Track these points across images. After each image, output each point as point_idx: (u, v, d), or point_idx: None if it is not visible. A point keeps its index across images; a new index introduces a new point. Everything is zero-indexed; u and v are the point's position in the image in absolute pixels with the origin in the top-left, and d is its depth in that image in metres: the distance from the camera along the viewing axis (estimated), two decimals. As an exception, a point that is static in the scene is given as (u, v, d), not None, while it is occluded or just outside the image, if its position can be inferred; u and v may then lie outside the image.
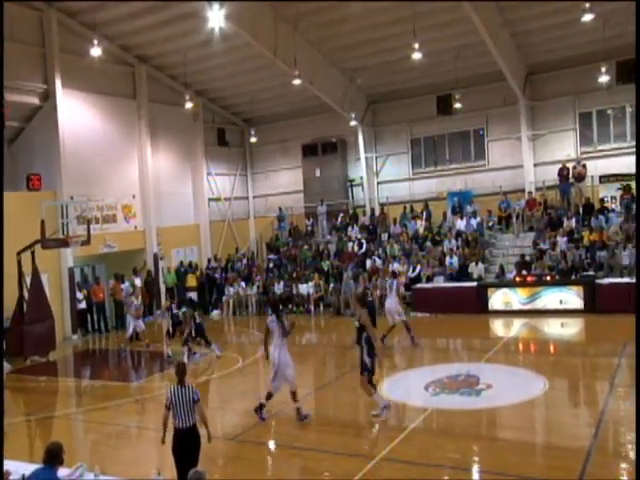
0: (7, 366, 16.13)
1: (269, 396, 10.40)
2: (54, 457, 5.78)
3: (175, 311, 16.65)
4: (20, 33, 19.38)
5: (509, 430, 9.77)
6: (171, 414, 7.18)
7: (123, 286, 21.01)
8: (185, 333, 15.86)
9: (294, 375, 10.44)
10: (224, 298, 23.67)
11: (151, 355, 17.58)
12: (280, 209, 27.55)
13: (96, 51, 18.67)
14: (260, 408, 10.33)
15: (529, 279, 19.11)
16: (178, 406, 7.12)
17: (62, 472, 6.07)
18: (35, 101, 20.08)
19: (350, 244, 24.11)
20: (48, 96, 20.11)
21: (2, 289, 13.75)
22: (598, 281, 18.00)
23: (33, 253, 17.51)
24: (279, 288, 22.92)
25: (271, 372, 10.34)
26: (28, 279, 17.65)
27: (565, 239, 20.07)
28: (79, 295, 20.82)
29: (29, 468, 6.29)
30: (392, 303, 15.54)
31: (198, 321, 16.00)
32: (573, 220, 20.89)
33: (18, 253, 17.32)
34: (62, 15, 20.11)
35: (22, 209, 18.27)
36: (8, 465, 6.70)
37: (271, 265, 25.04)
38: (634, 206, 19.74)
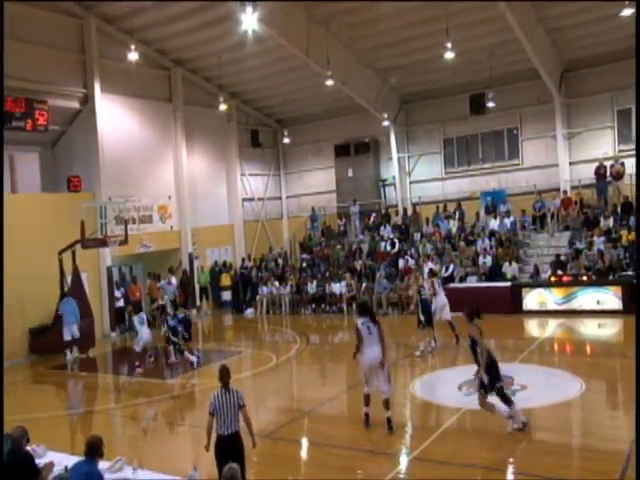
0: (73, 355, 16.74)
1: (367, 400, 9.90)
2: (94, 450, 5.94)
3: (181, 315, 15.94)
4: (61, 41, 19.96)
5: (544, 431, 9.63)
6: (215, 420, 6.99)
7: (159, 284, 21.50)
8: (162, 331, 15.84)
9: (387, 380, 9.87)
10: (258, 297, 23.96)
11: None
12: (313, 209, 27.76)
13: (133, 55, 19.07)
14: (366, 418, 9.89)
15: (565, 279, 18.91)
16: (222, 412, 6.91)
17: (102, 465, 6.22)
18: (75, 105, 20.60)
19: (382, 244, 24.18)
20: (87, 100, 20.62)
21: (2, 289, 14.27)
22: (637, 281, 17.66)
23: (74, 253, 18.00)
24: (312, 287, 23.13)
25: (363, 374, 9.88)
26: (69, 278, 18.13)
27: (602, 239, 19.79)
28: (117, 294, 21.27)
29: (71, 460, 6.57)
30: (443, 300, 15.58)
31: (180, 317, 15.80)
32: (611, 219, 20.57)
33: (59, 253, 17.81)
34: (101, 21, 20.63)
35: (63, 210, 18.86)
36: (52, 456, 6.99)
37: (304, 265, 25.26)
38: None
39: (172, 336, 15.38)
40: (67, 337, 17.38)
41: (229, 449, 6.83)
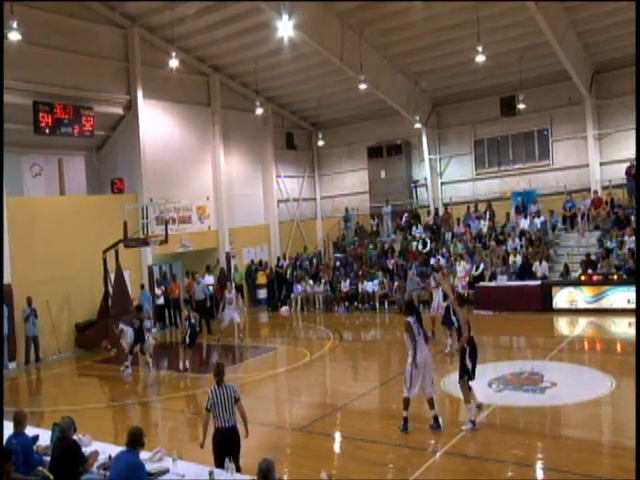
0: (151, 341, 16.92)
1: (407, 403, 9.57)
2: (136, 441, 6.13)
3: (193, 320, 15.56)
4: (107, 50, 20.77)
5: (574, 428, 9.69)
6: (212, 415, 7.25)
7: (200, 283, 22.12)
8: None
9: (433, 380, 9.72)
10: (292, 295, 24.52)
11: (224, 348, 18.41)
12: (346, 209, 28.23)
13: (174, 63, 19.56)
14: (405, 422, 9.56)
15: (595, 278, 18.99)
16: (218, 406, 7.18)
17: (142, 455, 6.35)
18: (119, 111, 21.32)
19: (414, 243, 24.55)
20: (130, 106, 21.32)
21: (2, 289, 15.05)
22: (637, 281, 17.56)
23: (117, 252, 18.63)
24: (345, 286, 23.60)
25: (409, 377, 9.47)
26: (112, 276, 18.80)
27: (633, 238, 19.86)
28: (157, 291, 21.85)
29: (114, 449, 6.87)
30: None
31: (192, 322, 15.55)
32: (641, 218, 20.61)
33: (104, 252, 18.47)
34: (144, 31, 21.40)
35: (107, 211, 19.56)
36: (97, 446, 7.29)
37: (337, 263, 25.73)
38: None
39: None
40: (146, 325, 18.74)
41: (228, 442, 7.10)
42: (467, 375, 9.55)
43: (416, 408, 11.22)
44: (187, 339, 15.28)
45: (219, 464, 6.77)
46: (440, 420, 9.52)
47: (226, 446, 7.05)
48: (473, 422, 9.41)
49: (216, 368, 7.49)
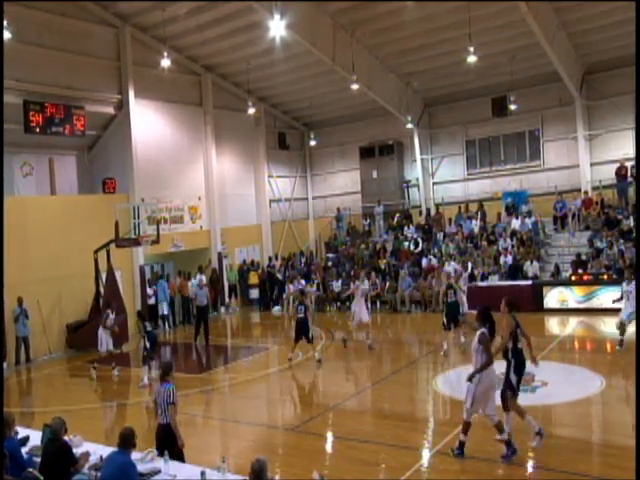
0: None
1: (466, 428, 8.45)
2: (127, 441, 6.15)
3: (149, 328, 14.48)
4: (98, 49, 20.71)
5: (565, 427, 9.72)
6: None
7: (190, 283, 22.12)
8: (142, 348, 14.56)
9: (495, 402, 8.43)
10: (284, 295, 24.52)
11: (216, 349, 18.39)
12: (338, 209, 28.29)
13: (166, 62, 19.57)
14: (460, 447, 8.47)
15: (585, 278, 19.16)
16: (159, 403, 7.49)
17: (134, 456, 6.35)
18: (110, 111, 21.26)
19: (406, 243, 24.62)
20: (122, 105, 21.27)
21: (2, 290, 15.01)
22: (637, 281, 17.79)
23: (108, 252, 18.55)
24: (337, 286, 23.63)
25: (472, 397, 8.35)
26: (104, 276, 18.71)
27: (622, 238, 20.03)
28: (149, 291, 21.75)
29: (106, 450, 6.85)
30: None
31: (149, 329, 14.54)
32: (631, 219, 20.77)
33: (95, 252, 18.37)
34: (136, 30, 21.34)
35: (99, 211, 19.51)
36: (88, 447, 7.26)
37: (329, 264, 25.78)
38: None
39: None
40: (161, 312, 19.94)
41: (162, 437, 7.36)
42: (512, 391, 8.47)
43: (408, 407, 11.32)
44: (147, 347, 14.19)
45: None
46: (513, 443, 8.30)
47: (161, 440, 7.37)
48: (540, 434, 8.43)
49: (161, 367, 7.94)
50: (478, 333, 8.26)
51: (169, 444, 7.19)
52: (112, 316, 15.49)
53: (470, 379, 8.24)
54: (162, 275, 22.79)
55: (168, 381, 7.54)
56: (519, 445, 8.33)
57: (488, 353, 8.12)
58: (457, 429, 9.40)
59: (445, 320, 15.22)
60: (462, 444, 8.41)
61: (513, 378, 8.42)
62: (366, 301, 17.32)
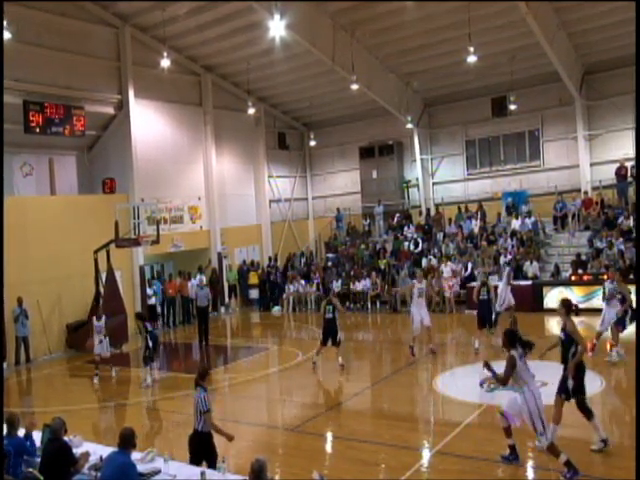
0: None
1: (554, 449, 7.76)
2: (127, 442, 6.14)
3: (150, 328, 14.19)
4: (98, 50, 20.72)
5: (565, 427, 9.46)
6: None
7: (190, 283, 22.14)
8: (142, 348, 14.21)
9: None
10: (284, 295, 24.53)
11: (216, 349, 18.39)
12: (338, 209, 28.29)
13: (165, 62, 19.59)
14: (512, 450, 8.22)
15: (585, 278, 19.17)
16: (194, 408, 7.41)
17: (134, 456, 6.36)
18: (110, 111, 21.27)
19: (406, 243, 24.62)
20: (122, 106, 21.28)
21: (2, 290, 15.00)
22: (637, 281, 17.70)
23: (108, 252, 18.51)
24: (337, 286, 23.62)
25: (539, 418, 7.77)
26: (104, 276, 18.67)
27: (621, 240, 20.02)
28: (149, 291, 21.78)
29: (106, 450, 6.88)
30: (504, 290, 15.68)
31: (150, 329, 14.20)
32: (631, 219, 20.78)
33: (95, 252, 18.34)
34: (135, 30, 21.36)
35: (98, 211, 19.52)
36: (87, 447, 7.29)
37: (329, 264, 25.78)
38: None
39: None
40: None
41: (195, 444, 7.30)
42: (582, 393, 8.35)
43: (408, 408, 11.32)
44: (149, 347, 13.90)
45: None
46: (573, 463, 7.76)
47: (192, 447, 7.32)
48: (605, 441, 8.33)
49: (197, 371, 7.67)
50: (507, 357, 7.82)
51: (203, 451, 7.16)
52: (97, 323, 15.09)
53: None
54: (153, 276, 22.75)
55: (202, 386, 7.43)
56: (519, 445, 8.31)
57: (506, 374, 7.77)
58: (457, 429, 9.53)
59: (477, 319, 15.10)
60: (512, 448, 8.13)
61: (570, 382, 8.33)
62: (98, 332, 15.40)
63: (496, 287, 15.68)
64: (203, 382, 7.46)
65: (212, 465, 6.78)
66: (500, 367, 8.02)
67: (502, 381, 7.88)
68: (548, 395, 10.88)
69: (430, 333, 15.24)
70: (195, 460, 7.01)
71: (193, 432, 7.31)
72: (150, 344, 13.85)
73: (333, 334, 14.36)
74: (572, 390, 8.31)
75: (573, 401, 8.63)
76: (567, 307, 8.63)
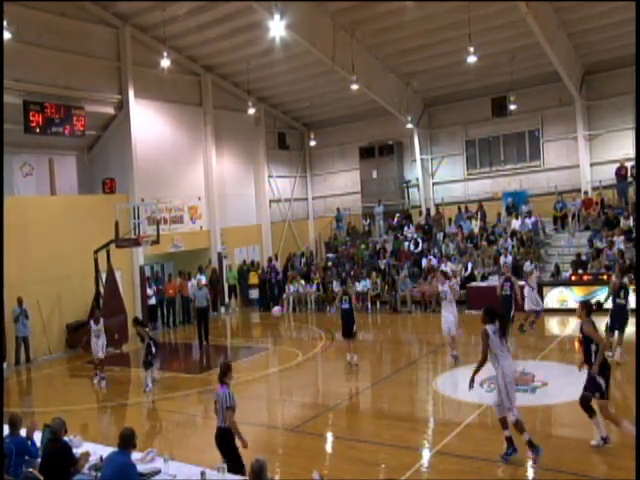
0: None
1: (519, 426, 8.16)
2: (127, 442, 6.14)
3: (148, 341, 13.59)
4: (98, 50, 20.72)
5: (565, 427, 9.72)
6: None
7: (189, 283, 22.14)
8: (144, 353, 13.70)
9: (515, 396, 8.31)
10: (284, 295, 24.53)
11: (216, 349, 18.38)
12: (338, 210, 28.30)
13: (165, 62, 19.60)
14: (509, 443, 8.27)
15: (585, 278, 19.17)
16: (217, 405, 7.39)
17: (134, 456, 6.38)
18: (110, 111, 21.26)
19: (406, 243, 24.62)
20: (122, 106, 21.27)
21: (2, 290, 14.99)
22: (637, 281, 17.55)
23: (108, 252, 18.53)
24: (337, 286, 23.62)
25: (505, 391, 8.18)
26: (104, 276, 18.69)
27: (622, 238, 20.03)
28: (149, 291, 21.80)
29: (106, 450, 6.87)
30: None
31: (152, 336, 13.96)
32: (631, 219, 20.78)
33: (95, 252, 18.34)
34: (135, 30, 21.36)
35: (98, 211, 19.52)
36: (87, 447, 7.29)
37: (329, 264, 25.78)
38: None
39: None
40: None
41: (220, 441, 7.34)
42: (600, 394, 8.26)
43: (408, 407, 11.32)
44: (152, 352, 13.52)
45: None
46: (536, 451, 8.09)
47: (220, 444, 7.33)
48: (605, 439, 8.42)
49: (219, 367, 7.64)
50: (481, 331, 8.23)
51: (226, 447, 7.23)
52: (95, 326, 14.75)
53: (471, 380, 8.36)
54: (149, 277, 22.63)
55: (226, 383, 7.43)
56: (519, 446, 8.30)
57: (483, 349, 8.15)
58: (457, 429, 9.53)
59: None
60: (510, 439, 8.22)
61: (601, 381, 8.21)
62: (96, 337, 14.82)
63: (522, 286, 15.63)
64: (226, 378, 7.43)
65: (235, 464, 6.81)
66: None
67: (481, 358, 8.15)
68: (547, 395, 11.01)
69: (454, 341, 14.19)
70: (222, 455, 7.15)
71: (217, 429, 7.36)
72: (153, 350, 13.55)
73: (350, 325, 14.18)
74: (596, 388, 8.22)
75: (576, 401, 8.64)
76: (588, 309, 8.62)
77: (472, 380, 8.36)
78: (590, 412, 8.51)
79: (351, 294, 14.50)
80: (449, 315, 14.05)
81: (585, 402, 8.44)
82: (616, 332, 12.83)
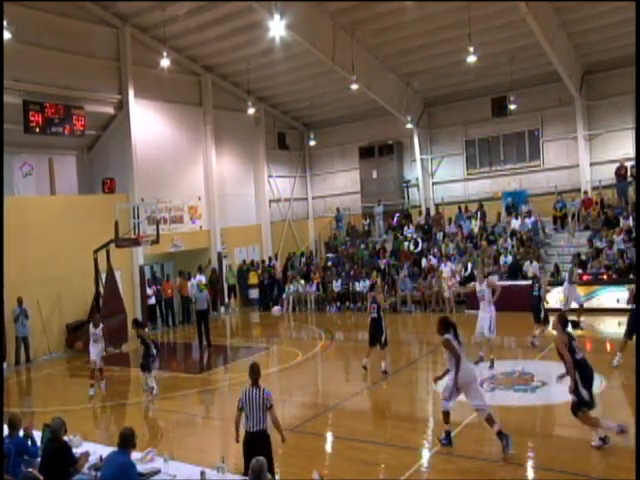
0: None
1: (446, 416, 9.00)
2: (127, 441, 6.13)
3: (153, 350, 13.20)
4: (99, 49, 20.74)
5: (565, 427, 9.66)
6: (243, 416, 7.10)
7: (189, 283, 22.14)
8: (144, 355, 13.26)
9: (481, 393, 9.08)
10: (284, 295, 24.53)
11: (216, 349, 18.36)
12: (338, 209, 28.30)
13: (165, 62, 19.61)
14: (447, 435, 8.97)
15: (585, 278, 19.10)
16: (249, 409, 6.99)
17: (134, 456, 6.37)
18: (110, 111, 21.27)
19: (406, 243, 24.62)
20: (122, 106, 21.27)
21: (2, 290, 14.96)
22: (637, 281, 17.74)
23: (108, 252, 18.57)
24: (337, 286, 23.65)
25: (449, 392, 8.92)
26: (103, 276, 18.73)
27: (622, 237, 20.02)
28: (149, 291, 21.81)
29: (105, 450, 6.88)
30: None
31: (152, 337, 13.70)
32: (631, 218, 20.77)
33: (95, 252, 18.36)
34: (135, 30, 21.37)
35: (98, 211, 19.54)
36: (87, 447, 7.30)
37: (329, 264, 25.78)
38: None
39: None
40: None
41: (255, 446, 6.79)
42: (586, 406, 8.29)
43: (408, 407, 11.32)
44: (154, 355, 13.26)
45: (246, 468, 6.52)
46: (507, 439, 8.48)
47: (253, 451, 6.69)
48: (603, 439, 8.39)
49: (250, 368, 7.26)
50: (442, 340, 8.93)
51: (263, 453, 6.60)
52: (94, 330, 14.02)
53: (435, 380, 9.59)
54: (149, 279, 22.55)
55: (259, 384, 7.16)
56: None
57: (455, 354, 8.75)
58: (457, 429, 9.49)
59: (533, 313, 15.31)
60: (448, 432, 8.93)
61: (584, 393, 8.22)
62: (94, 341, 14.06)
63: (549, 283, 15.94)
64: (258, 379, 7.20)
65: (270, 465, 6.57)
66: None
67: (455, 361, 8.79)
68: (547, 395, 11.02)
69: (490, 344, 13.65)
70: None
71: (256, 432, 6.95)
72: (154, 352, 13.24)
73: (378, 334, 13.39)
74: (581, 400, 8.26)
75: (571, 403, 8.65)
76: (563, 322, 8.55)
77: (437, 378, 9.48)
78: (594, 423, 8.50)
79: (379, 300, 13.70)
80: (486, 315, 13.43)
81: (575, 411, 8.46)
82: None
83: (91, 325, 14.28)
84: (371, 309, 13.67)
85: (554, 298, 19.12)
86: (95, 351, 13.98)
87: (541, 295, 15.43)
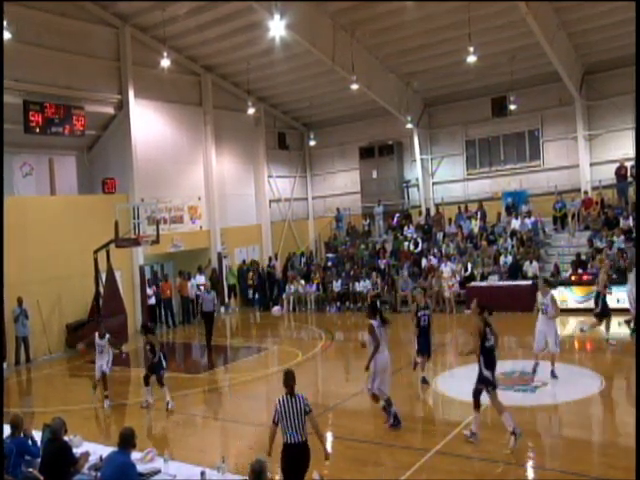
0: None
1: (389, 402, 9.85)
2: (127, 442, 6.13)
3: (158, 358, 12.19)
4: (98, 50, 20.75)
5: (565, 427, 9.72)
6: (280, 428, 6.64)
7: (190, 283, 22.14)
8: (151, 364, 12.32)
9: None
10: (284, 295, 24.53)
11: (216, 349, 18.32)
12: (338, 209, 28.30)
13: (165, 62, 19.62)
14: (389, 414, 9.87)
15: (585, 278, 19.14)
16: (287, 419, 6.51)
17: (134, 456, 6.37)
18: (110, 111, 21.29)
19: (406, 243, 24.62)
20: (122, 106, 21.29)
21: (2, 290, 14.95)
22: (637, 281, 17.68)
23: (108, 252, 18.52)
24: (337, 286, 23.64)
25: (375, 377, 9.78)
26: (103, 276, 18.69)
27: (622, 238, 20.03)
28: (149, 291, 21.81)
29: (106, 450, 6.90)
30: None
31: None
32: (631, 219, 20.78)
33: (95, 252, 18.30)
34: (136, 30, 21.38)
35: (98, 211, 19.53)
36: (87, 447, 7.31)
37: (329, 264, 25.78)
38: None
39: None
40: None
41: (297, 459, 6.46)
42: (490, 385, 8.76)
43: (408, 407, 11.31)
44: (163, 366, 12.40)
45: None
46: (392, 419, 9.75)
47: (295, 463, 6.46)
48: (514, 433, 8.48)
49: (285, 376, 6.78)
50: (367, 325, 9.71)
51: (304, 467, 6.46)
52: (100, 341, 13.02)
53: (366, 367, 9.77)
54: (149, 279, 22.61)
55: (295, 390, 6.70)
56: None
57: (375, 340, 9.59)
58: (457, 429, 9.54)
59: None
60: (395, 415, 9.77)
61: (487, 373, 8.77)
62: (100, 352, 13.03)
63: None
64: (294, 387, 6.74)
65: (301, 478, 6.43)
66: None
67: (373, 348, 9.58)
68: (547, 395, 11.03)
69: (554, 359, 12.18)
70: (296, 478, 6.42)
71: (297, 444, 6.51)
72: (164, 364, 12.41)
73: (428, 344, 12.23)
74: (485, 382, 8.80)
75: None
76: (480, 307, 9.10)
77: (367, 368, 9.77)
78: (477, 406, 8.86)
79: (430, 310, 12.61)
80: (550, 330, 12.10)
81: (476, 395, 8.87)
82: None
83: (96, 336, 13.15)
84: (422, 317, 12.25)
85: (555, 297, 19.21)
86: (100, 363, 13.02)
87: (599, 290, 15.31)
